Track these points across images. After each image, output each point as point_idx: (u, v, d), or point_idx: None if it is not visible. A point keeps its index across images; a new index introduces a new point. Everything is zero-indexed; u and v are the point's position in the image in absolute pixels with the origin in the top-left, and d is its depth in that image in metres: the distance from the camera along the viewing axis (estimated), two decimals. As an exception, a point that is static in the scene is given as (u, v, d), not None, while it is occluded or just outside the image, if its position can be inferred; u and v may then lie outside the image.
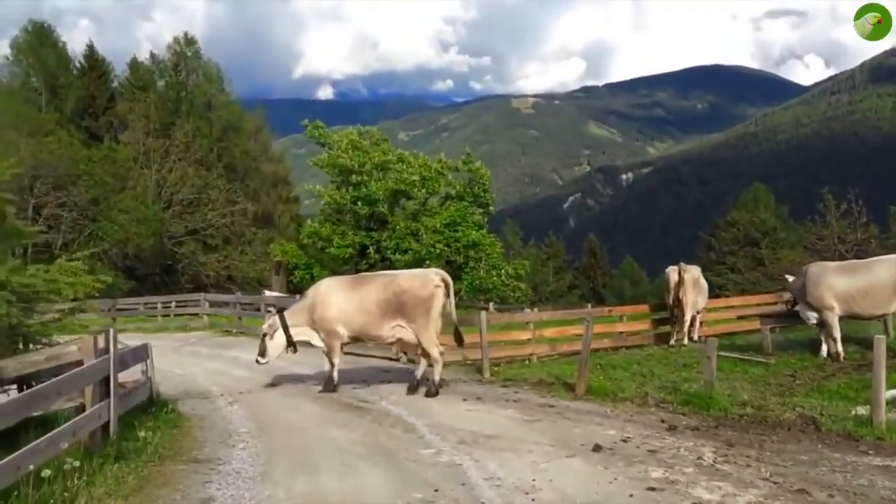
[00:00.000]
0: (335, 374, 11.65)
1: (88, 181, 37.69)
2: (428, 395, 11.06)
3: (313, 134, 37.05)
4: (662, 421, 9.05)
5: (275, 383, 12.34)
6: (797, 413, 9.19)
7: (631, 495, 6.08)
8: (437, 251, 32.79)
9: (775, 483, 6.42)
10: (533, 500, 6.03)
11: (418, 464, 7.22)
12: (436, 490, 6.31)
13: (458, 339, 11.83)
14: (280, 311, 12.10)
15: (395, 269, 34.20)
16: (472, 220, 34.62)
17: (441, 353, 11.53)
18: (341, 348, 11.85)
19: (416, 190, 34.91)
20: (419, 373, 11.60)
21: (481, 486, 6.43)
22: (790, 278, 14.86)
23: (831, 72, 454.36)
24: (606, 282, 68.75)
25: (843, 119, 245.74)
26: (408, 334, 11.42)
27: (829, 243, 34.97)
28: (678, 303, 16.65)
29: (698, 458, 7.24)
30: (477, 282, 33.35)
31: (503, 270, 34.04)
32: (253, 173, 53.84)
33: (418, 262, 33.25)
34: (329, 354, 11.68)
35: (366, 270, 33.46)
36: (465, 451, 7.66)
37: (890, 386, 8.81)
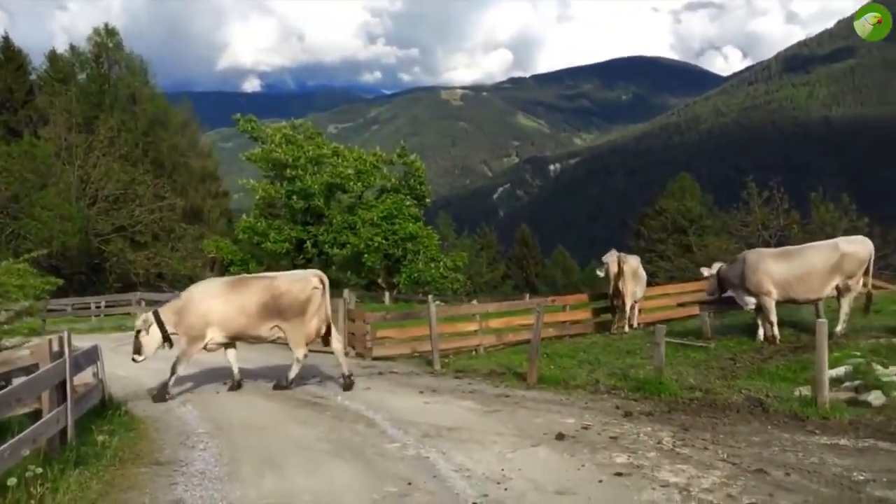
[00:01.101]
0: (172, 382, 11.13)
1: (8, 178, 36.26)
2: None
3: (245, 128, 36.52)
4: (617, 407, 9.29)
5: (225, 382, 12.13)
6: (744, 395, 9.55)
7: (600, 481, 6.25)
8: (375, 244, 32.77)
9: (734, 464, 6.69)
10: (506, 489, 6.13)
11: (386, 458, 7.25)
12: (409, 483, 6.36)
13: (326, 338, 11.75)
14: (155, 309, 11.69)
15: (335, 263, 34.24)
16: (409, 213, 34.67)
17: (305, 356, 11.54)
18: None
19: (351, 183, 34.80)
20: (345, 369, 11.50)
21: (453, 477, 6.50)
22: (706, 272, 15.31)
23: (748, 62, 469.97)
24: (539, 271, 69.56)
25: (760, 108, 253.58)
26: (283, 333, 11.46)
27: (753, 230, 36.16)
28: (618, 292, 17.06)
29: (658, 443, 7.47)
30: (416, 274, 33.44)
31: (441, 262, 34.20)
32: (181, 168, 52.51)
33: (356, 256, 33.23)
34: (178, 361, 11.21)
35: (303, 265, 33.23)
36: (431, 443, 7.72)
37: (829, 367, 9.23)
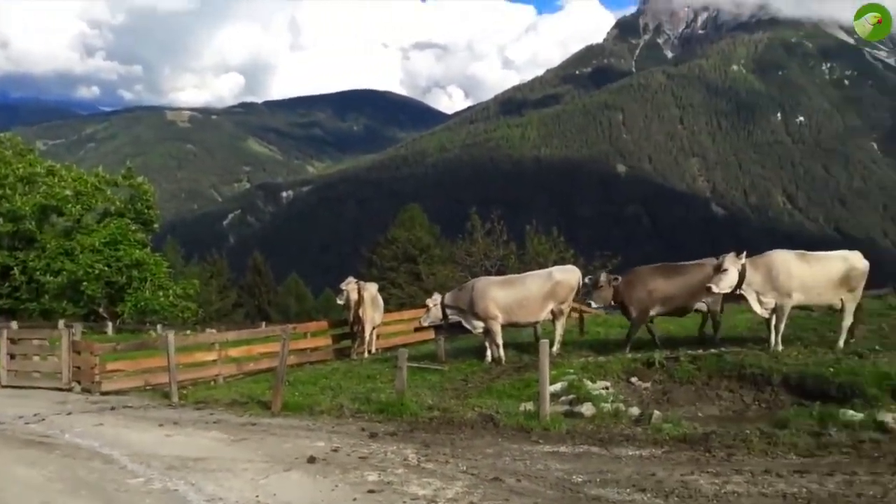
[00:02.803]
0: None
1: None
2: None
3: (-61, 139, 32.55)
4: (363, 429, 9.64)
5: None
6: (477, 412, 10.34)
7: (354, 499, 6.52)
8: (96, 271, 30.64)
9: (473, 475, 7.30)
10: (262, 514, 6.20)
11: (131, 494, 6.95)
12: (159, 518, 6.19)
13: None
14: None
15: (48, 291, 31.37)
16: (135, 238, 32.86)
17: None
18: None
19: (69, 206, 32.35)
20: None
21: (206, 508, 6.43)
22: (430, 303, 15.96)
23: (470, 102, 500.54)
24: (272, 299, 68.58)
25: (481, 146, 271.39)
26: None
27: (476, 259, 38.61)
28: (359, 319, 17.49)
29: (404, 460, 7.92)
30: (142, 303, 31.68)
31: (171, 290, 32.73)
32: None
33: (74, 284, 30.84)
34: None
35: (8, 295, 30.15)
36: (177, 475, 7.51)
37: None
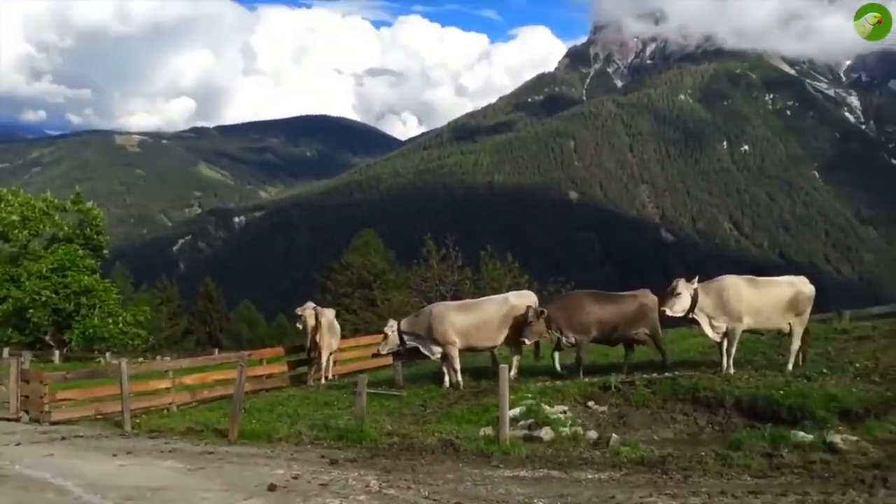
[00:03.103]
0: None
1: None
2: None
3: None
4: (323, 457, 9.59)
5: None
6: (437, 438, 10.36)
7: (317, 526, 6.50)
8: (43, 298, 29.96)
9: (434, 500, 7.32)
10: (223, 544, 6.13)
11: (87, 526, 6.82)
12: (119, 549, 6.08)
13: None
14: None
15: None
16: (84, 265, 32.24)
17: None
18: None
19: (16, 231, 31.63)
20: None
21: (166, 538, 6.33)
22: (388, 331, 15.86)
23: (423, 129, 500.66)
24: (224, 326, 67.56)
25: (434, 172, 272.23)
26: None
27: (431, 284, 38.64)
28: (316, 345, 17.40)
29: (366, 486, 7.90)
30: (90, 331, 31.03)
31: (120, 318, 32.12)
32: None
33: (20, 311, 30.10)
34: None
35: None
36: (135, 507, 7.40)
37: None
